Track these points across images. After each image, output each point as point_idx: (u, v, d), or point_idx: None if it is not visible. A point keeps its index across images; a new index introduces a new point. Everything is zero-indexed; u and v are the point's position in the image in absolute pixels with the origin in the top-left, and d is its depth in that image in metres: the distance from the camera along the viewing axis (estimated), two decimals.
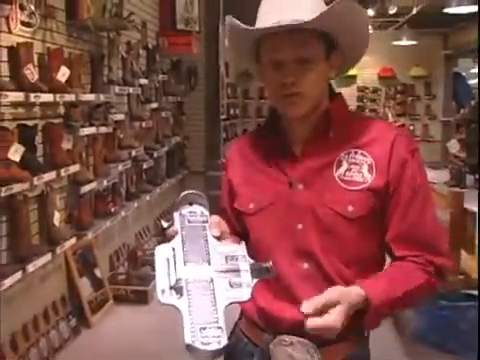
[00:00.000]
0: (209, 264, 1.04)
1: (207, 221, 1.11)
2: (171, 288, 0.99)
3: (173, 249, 1.05)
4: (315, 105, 1.19)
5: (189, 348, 0.92)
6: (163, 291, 0.99)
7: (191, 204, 1.13)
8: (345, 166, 1.16)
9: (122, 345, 3.37)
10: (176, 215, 1.11)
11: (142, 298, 4.00)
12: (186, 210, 1.12)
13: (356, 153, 1.17)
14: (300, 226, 1.17)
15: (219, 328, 0.96)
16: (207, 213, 1.12)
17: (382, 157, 1.14)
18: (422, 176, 1.17)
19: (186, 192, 1.13)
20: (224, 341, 0.94)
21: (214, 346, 0.93)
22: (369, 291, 1.08)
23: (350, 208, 1.13)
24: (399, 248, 1.16)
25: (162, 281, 1.00)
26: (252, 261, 1.05)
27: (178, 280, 1.00)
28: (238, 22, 1.18)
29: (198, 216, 1.12)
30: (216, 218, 1.13)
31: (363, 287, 1.08)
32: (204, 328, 0.95)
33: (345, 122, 1.21)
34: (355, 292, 1.07)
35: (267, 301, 1.19)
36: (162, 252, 1.04)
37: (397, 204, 1.14)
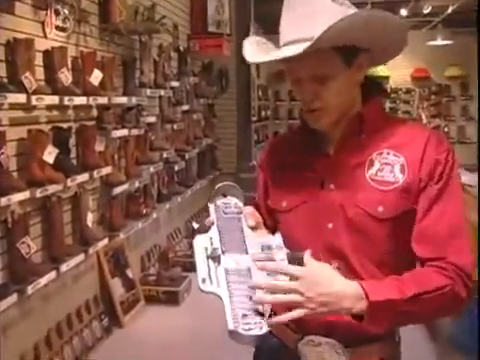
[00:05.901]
0: (246, 253, 1.08)
1: (241, 212, 1.15)
2: (210, 276, 1.02)
3: (211, 239, 1.09)
4: (343, 112, 1.17)
5: (232, 334, 0.96)
6: (204, 280, 1.02)
7: (225, 195, 1.17)
8: (377, 166, 1.15)
9: (153, 345, 3.40)
10: (211, 206, 1.16)
11: (173, 299, 4.02)
12: (220, 201, 1.17)
13: (388, 154, 1.15)
14: (330, 225, 1.16)
15: (260, 314, 0.99)
16: (241, 204, 1.17)
17: (415, 157, 1.13)
18: (452, 178, 1.13)
19: (221, 184, 1.18)
20: (265, 327, 0.97)
21: (256, 331, 0.96)
22: (368, 287, 1.03)
23: (380, 209, 1.12)
24: (419, 248, 1.11)
25: (202, 270, 1.03)
26: (288, 251, 1.08)
27: (215, 249, 1.04)
28: (248, 49, 1.20)
29: (232, 207, 1.16)
30: (250, 209, 1.17)
31: (362, 283, 1.03)
32: (246, 315, 0.98)
33: (379, 124, 1.19)
34: (352, 288, 1.02)
35: None
36: (200, 242, 1.08)
37: (422, 203, 1.11)
